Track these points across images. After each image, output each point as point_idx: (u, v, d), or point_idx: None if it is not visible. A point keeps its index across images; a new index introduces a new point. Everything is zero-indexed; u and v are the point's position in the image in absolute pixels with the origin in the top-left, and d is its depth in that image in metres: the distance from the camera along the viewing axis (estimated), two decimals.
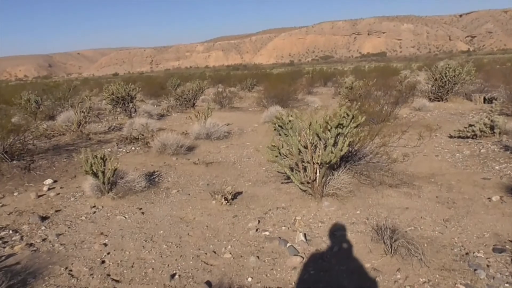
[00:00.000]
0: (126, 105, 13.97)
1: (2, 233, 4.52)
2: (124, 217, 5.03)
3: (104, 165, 5.49)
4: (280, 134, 5.20)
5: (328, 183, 5.16)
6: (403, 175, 6.20)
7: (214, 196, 5.44)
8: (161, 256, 3.91)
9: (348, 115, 4.72)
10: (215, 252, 3.96)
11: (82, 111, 11.30)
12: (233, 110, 16.63)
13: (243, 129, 11.63)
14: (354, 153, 5.97)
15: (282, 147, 5.07)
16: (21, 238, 4.40)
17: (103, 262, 3.82)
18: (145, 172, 7.09)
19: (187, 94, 16.96)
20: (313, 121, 4.83)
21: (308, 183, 5.04)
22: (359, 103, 5.85)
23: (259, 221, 4.68)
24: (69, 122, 11.50)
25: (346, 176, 5.35)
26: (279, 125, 5.10)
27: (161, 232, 4.52)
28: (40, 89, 15.78)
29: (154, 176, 6.81)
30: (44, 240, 4.35)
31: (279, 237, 4.19)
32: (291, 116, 5.06)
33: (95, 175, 5.46)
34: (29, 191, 6.27)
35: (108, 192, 5.59)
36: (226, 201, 5.27)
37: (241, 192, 5.85)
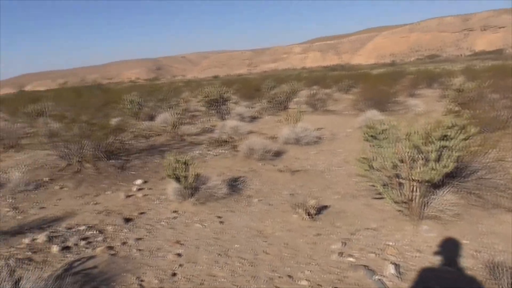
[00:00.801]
0: (219, 107, 14.23)
1: (89, 233, 4.67)
2: (203, 225, 4.89)
3: (187, 170, 5.44)
4: (372, 145, 4.61)
5: (429, 203, 4.43)
6: None
7: (296, 210, 5.04)
8: (233, 275, 3.63)
9: (455, 125, 3.98)
10: (290, 277, 3.56)
11: (177, 113, 11.73)
12: (327, 113, 16.02)
13: (335, 134, 11.03)
14: (462, 168, 5.10)
15: (375, 159, 4.48)
16: (104, 240, 4.48)
17: (174, 274, 3.67)
18: (229, 177, 6.97)
19: (279, 97, 16.78)
20: (412, 131, 4.16)
21: (404, 202, 4.38)
22: (470, 110, 4.97)
23: (344, 244, 4.16)
24: (165, 123, 12.02)
25: (452, 195, 4.57)
26: (370, 135, 4.52)
27: (237, 246, 4.26)
28: (144, 91, 16.87)
29: (238, 182, 6.63)
30: (124, 243, 4.37)
31: (366, 266, 3.64)
32: (386, 124, 4.45)
33: (177, 179, 5.44)
34: (120, 190, 6.52)
35: (190, 198, 5.53)
36: (309, 216, 4.84)
37: (327, 206, 5.36)
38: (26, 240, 4.38)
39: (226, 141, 10.00)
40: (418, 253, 3.85)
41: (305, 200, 5.33)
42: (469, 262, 3.60)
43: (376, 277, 3.41)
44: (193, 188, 5.57)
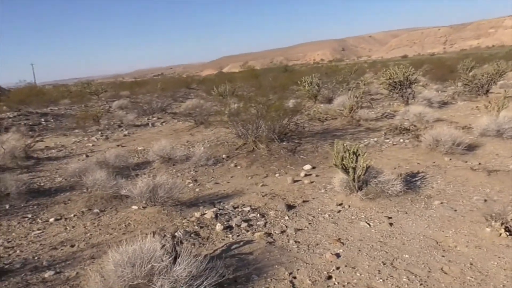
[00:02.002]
0: (404, 90, 12.95)
1: (251, 215, 4.70)
2: (369, 224, 4.36)
3: (356, 161, 4.94)
4: None
5: None
6: None
7: (490, 222, 4.02)
8: None
9: None
10: None
11: (356, 96, 11.13)
12: None
13: None
14: None
15: None
16: (264, 225, 4.43)
17: (329, 277, 3.30)
18: (407, 171, 6.16)
19: (479, 79, 14.28)
20: None
21: None
22: None
23: None
24: (342, 107, 11.57)
25: None
26: None
27: (406, 256, 3.61)
28: (324, 73, 16.71)
29: (417, 179, 5.78)
30: (282, 232, 4.22)
31: None
32: None
33: (345, 170, 4.99)
34: (288, 174, 6.47)
35: (358, 191, 5.03)
36: (508, 233, 3.78)
37: None
38: (197, 214, 4.67)
39: (407, 129, 8.98)
40: None
41: (505, 211, 4.23)
42: None
43: None
44: (362, 181, 5.05)
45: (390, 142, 8.24)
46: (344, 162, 4.92)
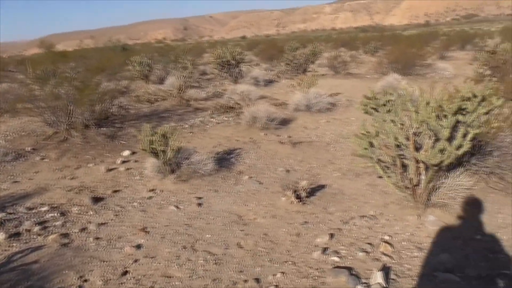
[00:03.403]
0: (232, 69, 13.40)
1: (49, 215, 4.15)
2: (178, 207, 4.29)
3: (166, 143, 4.80)
4: (375, 119, 3.80)
5: (438, 188, 3.65)
6: None
7: (285, 191, 4.36)
8: (191, 277, 3.02)
9: (474, 95, 3.10)
10: (257, 281, 2.92)
11: (184, 76, 11.03)
12: (348, 77, 14.96)
13: (352, 100, 10.08)
14: (483, 144, 4.23)
15: (377, 135, 3.69)
16: (63, 225, 3.95)
17: (124, 273, 3.10)
18: (225, 148, 6.33)
19: (298, 59, 15.71)
20: (424, 101, 3.32)
21: (407, 188, 3.62)
22: (498, 74, 4.05)
23: (331, 236, 3.48)
24: (173, 87, 11.35)
25: (467, 178, 3.76)
26: (372, 108, 3.70)
27: (208, 236, 3.64)
28: (154, 53, 16.16)
29: (232, 155, 5.98)
30: (82, 230, 3.83)
31: (351, 269, 2.95)
32: (392, 94, 3.61)
33: (155, 154, 4.81)
34: (105, 162, 6.00)
35: (170, 174, 4.92)
36: (299, 200, 4.15)
37: (324, 186, 4.66)
38: None
39: (232, 108, 9.30)
40: (417, 252, 3.12)
41: (298, 180, 4.65)
42: (481, 267, 2.85)
43: (359, 285, 2.73)
44: (174, 164, 4.95)
45: (215, 121, 8.40)
46: (153, 146, 4.73)
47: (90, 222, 4.00)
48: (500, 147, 4.21)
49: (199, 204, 4.35)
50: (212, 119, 8.56)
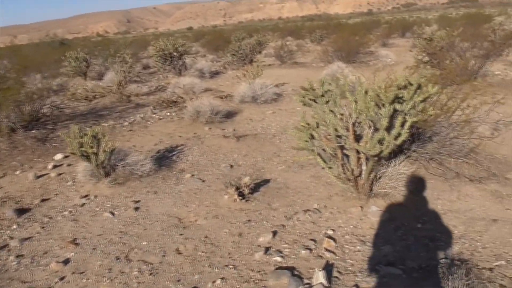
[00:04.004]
0: (175, 62, 12.96)
1: None
2: (113, 214, 3.98)
3: (98, 145, 4.44)
4: (313, 110, 3.69)
5: (380, 178, 3.63)
6: (491, 162, 4.41)
7: (228, 188, 4.17)
8: None
9: (411, 84, 3.07)
10: None
11: (123, 71, 10.49)
12: (294, 67, 14.95)
13: (298, 90, 10.00)
14: (422, 132, 4.28)
15: (317, 127, 3.59)
16: None
17: None
18: (167, 146, 6.04)
19: (244, 49, 15.51)
20: (362, 91, 3.24)
21: (349, 179, 3.55)
22: (439, 60, 4.08)
23: (274, 234, 3.35)
24: (112, 83, 10.78)
25: (408, 166, 3.78)
26: (310, 99, 3.58)
27: (145, 243, 3.39)
28: (92, 47, 15.33)
29: (174, 153, 5.70)
30: (2, 248, 3.44)
31: (293, 269, 2.83)
32: (331, 83, 3.51)
33: (86, 157, 4.44)
34: (34, 168, 5.52)
35: (105, 178, 4.58)
36: (242, 198, 3.98)
37: (268, 181, 4.52)
38: None
39: (175, 102, 8.95)
40: (360, 246, 3.06)
41: (242, 175, 4.48)
42: (422, 258, 2.83)
43: (301, 286, 2.61)
44: (108, 167, 4.60)
45: (157, 117, 8.04)
46: (83, 149, 4.35)
47: (12, 238, 3.61)
48: (439, 133, 4.26)
49: (136, 209, 4.06)
50: (154, 115, 8.19)
